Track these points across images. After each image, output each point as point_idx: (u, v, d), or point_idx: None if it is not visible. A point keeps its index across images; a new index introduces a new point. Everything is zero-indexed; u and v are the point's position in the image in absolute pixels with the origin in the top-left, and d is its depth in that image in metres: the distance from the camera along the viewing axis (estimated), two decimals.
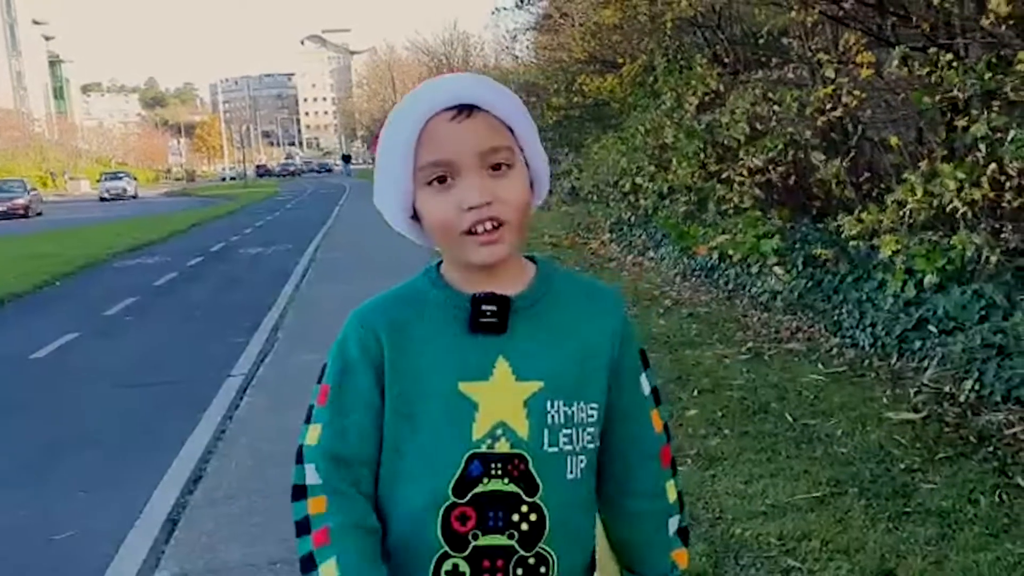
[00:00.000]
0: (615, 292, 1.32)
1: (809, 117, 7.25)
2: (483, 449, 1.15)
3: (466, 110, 1.15)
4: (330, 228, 20.59)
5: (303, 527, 1.20)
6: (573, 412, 1.19)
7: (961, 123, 5.07)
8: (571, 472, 1.19)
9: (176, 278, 13.02)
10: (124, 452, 5.12)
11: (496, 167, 1.15)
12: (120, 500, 4.34)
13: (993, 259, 4.30)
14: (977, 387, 4.18)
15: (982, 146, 4.34)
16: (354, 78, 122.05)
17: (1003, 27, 5.32)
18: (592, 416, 1.21)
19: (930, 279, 4.70)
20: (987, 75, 5.12)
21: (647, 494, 1.28)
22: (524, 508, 1.16)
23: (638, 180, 10.14)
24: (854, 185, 6.58)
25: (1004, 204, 4.30)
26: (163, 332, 8.79)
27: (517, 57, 27.65)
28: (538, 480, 1.16)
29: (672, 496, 1.29)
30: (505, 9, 27.32)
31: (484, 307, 1.17)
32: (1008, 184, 4.35)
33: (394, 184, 1.20)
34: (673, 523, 1.29)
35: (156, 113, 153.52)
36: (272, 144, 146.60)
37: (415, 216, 1.21)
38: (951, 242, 4.45)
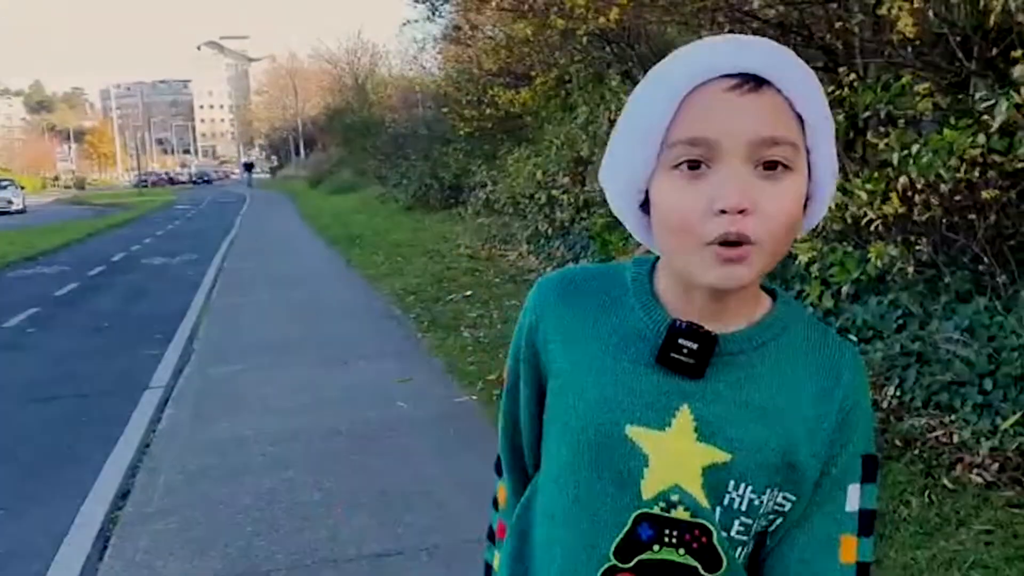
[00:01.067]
0: (857, 356, 1.00)
1: None
2: (655, 511, 0.93)
3: (752, 82, 0.86)
4: (235, 238, 20.22)
5: (495, 504, 1.18)
6: (762, 502, 0.93)
7: (870, 140, 5.34)
8: (739, 557, 0.96)
9: (78, 288, 12.59)
10: (41, 468, 4.94)
11: (770, 165, 0.86)
12: (44, 517, 4.20)
13: (908, 270, 4.54)
14: (899, 393, 4.40)
15: (894, 159, 4.59)
16: (253, 85, 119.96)
17: (902, 49, 5.63)
18: (783, 507, 0.95)
19: (847, 289, 4.93)
20: (889, 95, 5.42)
21: None
22: None
23: (554, 192, 10.28)
24: None
25: (914, 217, 4.55)
26: (70, 344, 8.50)
27: (425, 68, 27.74)
28: (723, 556, 0.93)
29: None
30: (415, 21, 27.24)
31: (681, 341, 0.93)
32: (917, 198, 4.60)
33: (630, 156, 0.92)
34: None
35: (42, 118, 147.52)
36: (166, 152, 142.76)
37: (644, 204, 0.94)
38: (867, 253, 4.69)
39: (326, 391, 6.02)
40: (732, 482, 0.92)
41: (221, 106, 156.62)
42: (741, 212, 0.84)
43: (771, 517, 0.95)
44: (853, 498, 0.96)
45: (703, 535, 0.93)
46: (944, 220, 4.79)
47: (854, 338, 4.95)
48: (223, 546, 3.68)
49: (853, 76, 6.02)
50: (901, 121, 5.64)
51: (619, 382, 0.94)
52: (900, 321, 4.73)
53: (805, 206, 0.91)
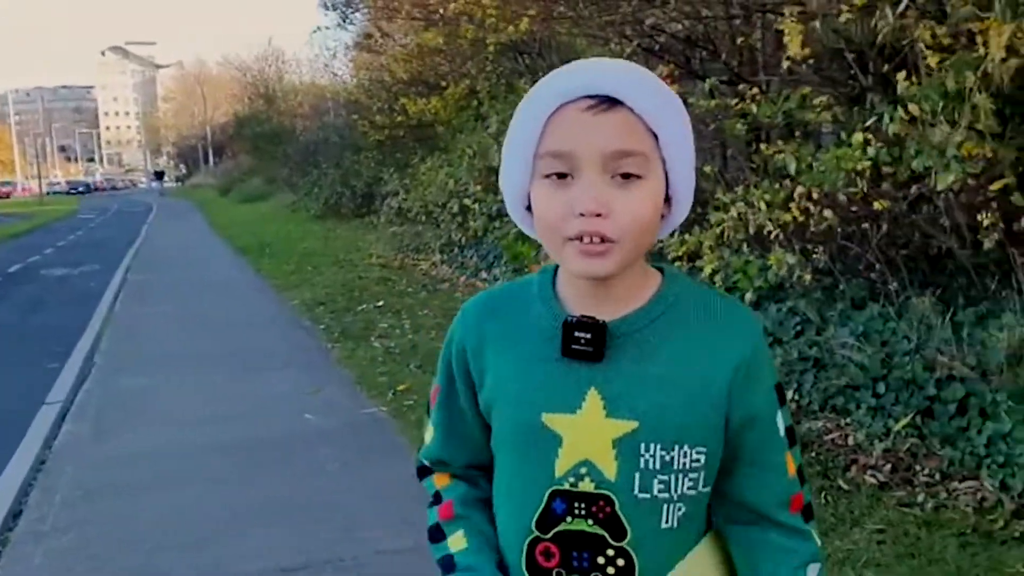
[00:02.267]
0: (749, 316, 1.15)
1: None
2: (565, 487, 1.07)
3: (606, 102, 1.00)
4: (140, 247, 19.69)
5: (435, 500, 1.23)
6: (673, 457, 1.05)
7: (767, 151, 5.50)
8: (667, 521, 1.06)
9: None
10: None
11: (624, 176, 1.00)
12: None
13: (806, 278, 4.69)
14: (797, 397, 4.54)
15: (791, 170, 4.73)
16: (160, 92, 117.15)
17: (802, 65, 5.81)
18: (698, 461, 1.06)
19: (750, 296, 5.06)
20: (789, 109, 5.59)
21: (781, 548, 1.12)
22: (610, 552, 1.06)
23: (466, 202, 10.30)
24: None
25: (812, 227, 4.71)
26: None
27: (336, 75, 27.50)
28: (626, 525, 1.05)
29: (809, 546, 1.13)
30: (327, 28, 27.01)
31: (577, 333, 1.06)
32: (813, 208, 4.76)
33: (513, 167, 1.08)
34: (813, 571, 1.12)
35: None
36: (69, 160, 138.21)
37: (530, 207, 1.09)
38: (766, 261, 4.82)
39: (232, 404, 5.91)
40: (642, 445, 1.04)
41: (127, 113, 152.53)
42: (599, 217, 0.99)
43: (691, 474, 1.06)
44: (781, 424, 1.12)
45: (607, 505, 1.05)
46: (840, 229, 4.96)
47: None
48: (122, 563, 3.58)
49: (755, 90, 6.20)
50: (799, 133, 5.84)
51: (535, 379, 1.09)
52: (798, 327, 4.87)
53: (670, 206, 1.07)
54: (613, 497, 1.05)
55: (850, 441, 4.14)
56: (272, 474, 4.53)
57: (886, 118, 3.96)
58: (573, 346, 1.06)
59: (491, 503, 1.19)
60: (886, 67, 5.02)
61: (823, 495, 3.69)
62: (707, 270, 5.41)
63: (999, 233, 4.13)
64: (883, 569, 3.13)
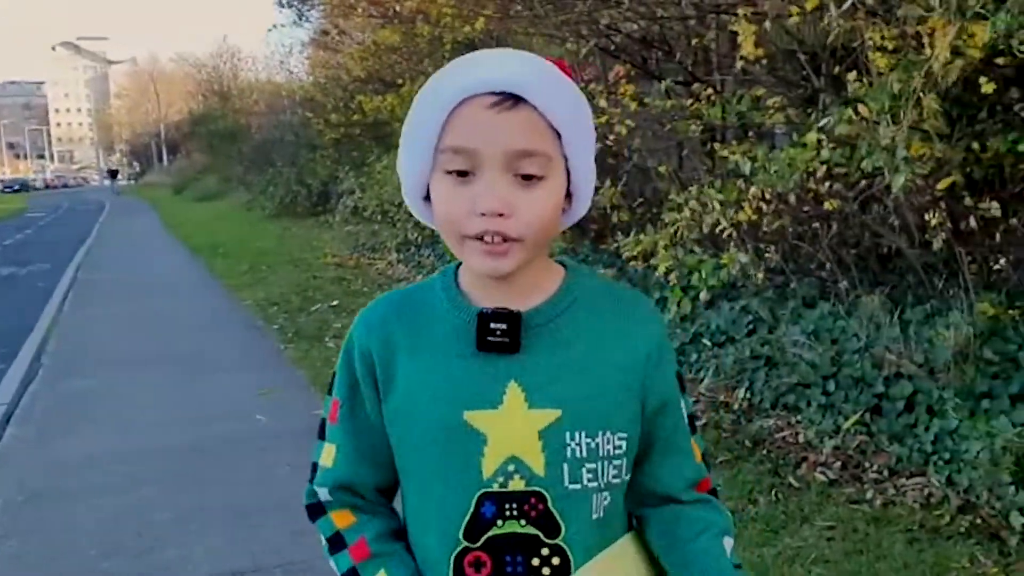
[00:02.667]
0: (652, 306, 1.17)
1: None
2: (495, 488, 1.02)
3: (510, 99, 0.98)
4: (91, 247, 19.32)
5: (337, 543, 1.12)
6: (598, 444, 1.04)
7: (721, 152, 5.53)
8: (596, 511, 1.05)
9: None
10: None
11: (526, 177, 0.99)
12: None
13: (758, 277, 4.72)
14: (749, 395, 4.57)
15: (745, 170, 4.76)
16: (113, 88, 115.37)
17: (756, 65, 5.85)
18: (620, 448, 1.06)
19: (704, 295, 5.08)
20: (743, 109, 5.63)
21: (698, 519, 1.13)
22: (545, 551, 1.03)
23: None
24: (629, 209, 6.99)
25: (764, 227, 4.74)
26: None
27: (292, 72, 27.27)
28: (560, 521, 1.03)
29: (724, 517, 1.16)
30: (282, 26, 26.74)
31: (492, 325, 1.04)
32: (766, 208, 4.79)
33: (413, 159, 1.05)
34: (728, 543, 1.15)
35: None
36: (18, 156, 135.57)
37: (429, 197, 1.06)
38: (720, 260, 4.85)
39: (183, 406, 5.81)
40: (567, 434, 1.03)
41: (79, 110, 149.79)
42: (500, 217, 0.98)
43: (615, 461, 1.06)
44: (684, 408, 1.13)
45: (539, 502, 1.03)
46: (792, 229, 5.01)
47: (707, 341, 5.11)
48: (63, 570, 3.50)
49: (710, 91, 6.23)
50: (752, 134, 5.88)
51: (451, 377, 1.04)
52: (751, 326, 4.91)
53: (571, 201, 1.07)
54: (545, 493, 1.03)
55: (800, 439, 4.17)
56: (222, 477, 4.46)
57: (834, 119, 3.99)
58: (489, 338, 1.03)
59: (404, 533, 1.12)
60: (838, 68, 5.07)
61: (773, 492, 3.72)
62: (661, 269, 5.42)
63: (947, 232, 4.19)
64: (832, 565, 3.15)
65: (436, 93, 1.02)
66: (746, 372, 4.66)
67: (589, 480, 1.04)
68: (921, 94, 3.85)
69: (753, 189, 4.78)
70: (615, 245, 6.44)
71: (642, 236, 5.51)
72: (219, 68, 44.36)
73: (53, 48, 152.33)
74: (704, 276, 5.27)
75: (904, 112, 3.96)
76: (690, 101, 6.32)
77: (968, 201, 4.17)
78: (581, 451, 1.03)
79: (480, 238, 0.99)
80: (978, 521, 3.31)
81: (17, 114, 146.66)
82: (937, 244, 4.21)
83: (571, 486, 1.03)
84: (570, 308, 1.07)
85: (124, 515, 4.02)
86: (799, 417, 4.31)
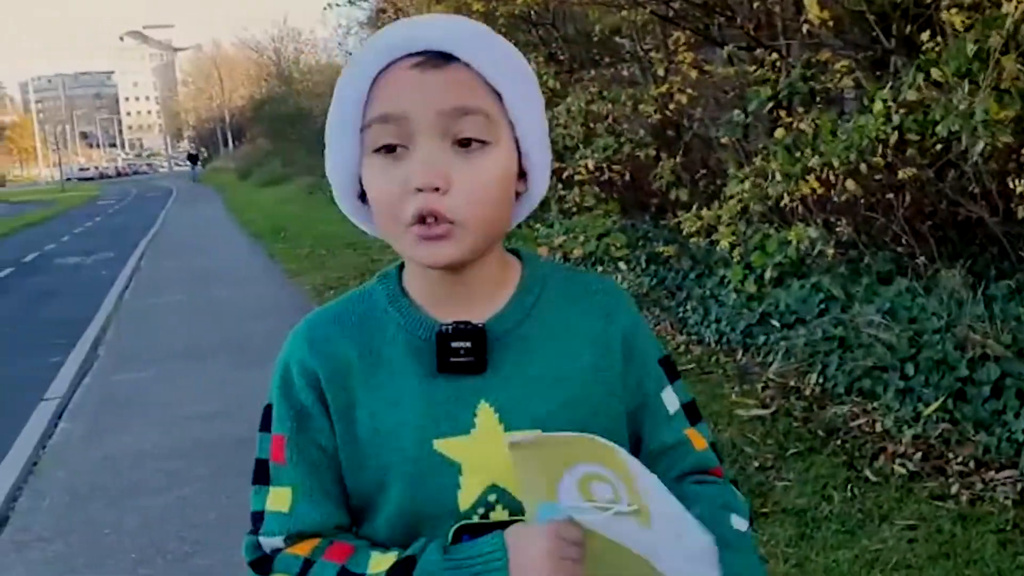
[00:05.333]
0: (618, 288, 1.05)
1: (643, 115, 7.36)
2: (475, 519, 0.90)
3: (435, 58, 0.87)
4: (156, 234, 19.62)
5: (308, 565, 0.91)
6: None
7: (787, 120, 5.23)
8: None
9: None
10: None
11: (465, 143, 0.86)
12: None
13: (829, 252, 4.42)
14: (821, 380, 4.28)
15: (811, 139, 4.48)
16: (179, 76, 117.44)
17: (822, 29, 5.51)
18: None
19: (769, 273, 4.80)
20: (808, 74, 5.31)
21: (697, 494, 0.95)
22: None
23: None
24: (690, 182, 6.71)
25: (833, 198, 4.44)
26: None
27: (351, 54, 27.28)
28: None
29: (728, 490, 1.01)
30: (337, 5, 26.74)
31: (454, 344, 0.90)
32: (835, 179, 4.49)
33: (340, 145, 0.91)
34: (739, 522, 0.99)
35: None
36: (91, 146, 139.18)
37: (365, 196, 0.92)
38: (787, 236, 4.56)
39: (237, 397, 5.70)
40: None
41: (147, 98, 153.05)
42: (436, 191, 0.85)
43: None
44: (671, 400, 0.99)
45: None
46: (863, 200, 4.70)
47: (776, 323, 4.83)
48: (107, 574, 3.40)
49: (775, 56, 5.91)
50: (820, 100, 5.55)
51: (411, 403, 0.91)
52: (822, 305, 4.62)
53: (526, 182, 0.93)
54: None
55: (877, 428, 3.88)
56: None
57: (906, 83, 3.68)
58: (452, 359, 0.91)
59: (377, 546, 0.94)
60: (909, 28, 4.73)
61: (849, 488, 3.44)
62: (724, 244, 5.17)
63: None
64: (915, 572, 2.88)
65: (356, 66, 0.90)
66: (818, 355, 4.37)
67: None
68: (1000, 54, 3.55)
69: (815, 159, 4.49)
70: (675, 220, 6.18)
71: (702, 212, 5.23)
72: (280, 51, 44.72)
73: (121, 38, 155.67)
74: (770, 252, 4.98)
75: (982, 73, 3.66)
76: (754, 67, 6.01)
77: None
78: None
79: (418, 222, 0.86)
80: None
81: (89, 104, 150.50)
82: (1021, 213, 3.90)
83: None
84: (534, 308, 0.95)
85: (168, 516, 3.92)
86: (876, 404, 4.01)
